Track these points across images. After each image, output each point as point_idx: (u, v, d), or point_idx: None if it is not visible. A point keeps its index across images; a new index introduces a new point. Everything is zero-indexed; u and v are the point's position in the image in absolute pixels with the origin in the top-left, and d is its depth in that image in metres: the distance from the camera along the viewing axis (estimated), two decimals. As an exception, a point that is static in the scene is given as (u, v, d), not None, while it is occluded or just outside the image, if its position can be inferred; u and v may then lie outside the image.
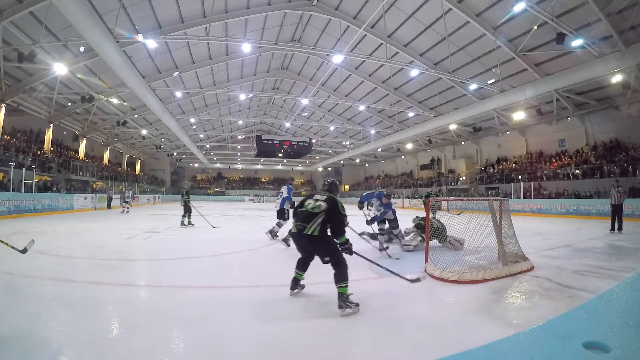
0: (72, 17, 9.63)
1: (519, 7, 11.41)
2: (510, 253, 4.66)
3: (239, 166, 48.65)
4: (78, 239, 7.19)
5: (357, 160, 43.63)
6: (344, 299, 2.91)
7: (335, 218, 3.15)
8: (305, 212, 3.21)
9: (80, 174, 21.69)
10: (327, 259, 3.09)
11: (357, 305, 2.92)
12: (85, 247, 5.93)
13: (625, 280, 3.81)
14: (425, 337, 2.45)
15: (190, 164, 46.68)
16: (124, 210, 16.52)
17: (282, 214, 7.41)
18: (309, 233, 3.09)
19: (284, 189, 7.39)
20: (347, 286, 2.97)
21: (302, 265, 3.36)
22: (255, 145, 26.86)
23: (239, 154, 42.75)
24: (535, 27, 12.28)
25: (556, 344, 1.09)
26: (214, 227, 9.65)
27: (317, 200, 3.26)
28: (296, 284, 3.36)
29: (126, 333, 2.46)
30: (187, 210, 9.98)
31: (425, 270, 4.26)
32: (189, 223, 9.95)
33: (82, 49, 13.92)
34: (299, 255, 3.40)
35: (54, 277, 3.90)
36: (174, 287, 3.65)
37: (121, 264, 4.72)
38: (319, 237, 3.10)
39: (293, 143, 24.83)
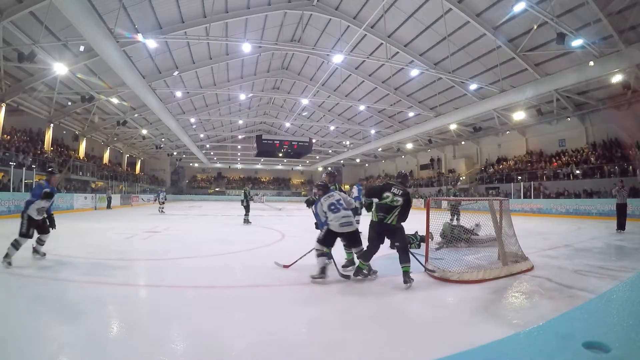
0: (72, 17, 9.64)
1: (519, 7, 11.39)
2: (510, 253, 4.65)
3: (239, 166, 48.66)
4: (78, 238, 7.18)
5: (357, 160, 43.64)
6: (407, 276, 3.62)
7: (406, 212, 3.88)
8: (386, 205, 3.84)
9: (80, 173, 21.70)
10: (397, 244, 3.79)
11: (413, 279, 3.62)
12: (85, 247, 5.93)
13: (625, 280, 3.80)
14: (425, 337, 2.45)
15: (190, 164, 46.66)
16: (160, 211, 16.64)
17: (355, 212, 7.96)
18: (389, 222, 3.78)
19: (354, 190, 7.84)
20: (409, 266, 3.69)
21: (368, 257, 3.87)
22: (255, 145, 26.86)
23: (239, 154, 42.74)
24: (535, 26, 12.25)
25: (556, 343, 1.09)
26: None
27: (395, 194, 3.85)
28: (359, 272, 3.87)
29: (126, 333, 2.46)
30: (248, 210, 11.25)
31: (425, 270, 4.26)
32: (248, 221, 11.02)
33: (82, 48, 13.89)
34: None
35: (54, 277, 3.91)
36: (174, 287, 3.65)
37: (121, 264, 4.72)
38: (397, 226, 3.81)
39: (293, 143, 24.84)
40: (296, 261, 4.48)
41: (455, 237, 5.83)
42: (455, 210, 7.67)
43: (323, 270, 3.82)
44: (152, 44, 13.22)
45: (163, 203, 17.04)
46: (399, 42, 17.16)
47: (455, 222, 7.02)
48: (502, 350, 1.13)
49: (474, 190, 24.64)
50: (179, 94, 21.24)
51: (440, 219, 5.28)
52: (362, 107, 24.03)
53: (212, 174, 51.07)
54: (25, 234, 4.45)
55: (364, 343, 2.34)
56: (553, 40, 11.50)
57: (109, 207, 20.26)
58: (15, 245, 4.39)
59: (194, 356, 2.13)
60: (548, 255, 5.61)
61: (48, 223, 4.82)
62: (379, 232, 3.90)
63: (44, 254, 4.83)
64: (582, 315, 1.37)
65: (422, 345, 2.31)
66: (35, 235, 4.69)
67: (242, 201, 11.26)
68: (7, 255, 4.33)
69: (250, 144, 35.79)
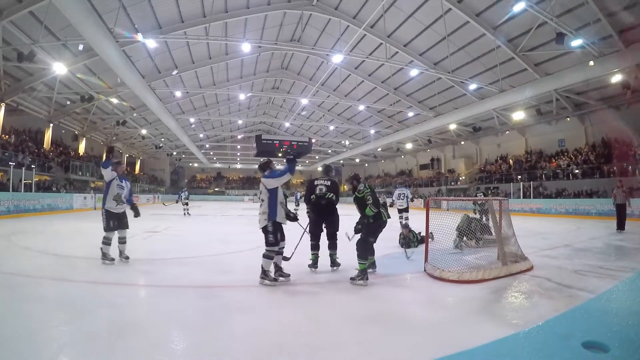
0: (72, 17, 9.63)
1: (518, 7, 11.38)
2: (509, 253, 4.66)
3: (239, 166, 48.64)
4: (78, 238, 7.18)
5: (357, 160, 43.63)
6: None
7: None
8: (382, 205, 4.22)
9: (80, 173, 21.68)
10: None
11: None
12: (85, 247, 5.91)
13: (625, 280, 3.82)
14: (424, 337, 2.45)
15: (190, 164, 46.64)
16: (185, 213, 14.82)
17: (407, 211, 8.37)
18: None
19: (406, 191, 8.18)
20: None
21: (368, 255, 3.99)
22: (254, 145, 26.75)
23: (238, 154, 42.72)
24: (535, 27, 12.25)
25: (555, 343, 1.10)
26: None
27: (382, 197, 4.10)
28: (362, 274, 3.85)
29: (126, 333, 2.45)
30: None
31: (424, 270, 4.27)
32: None
33: (80, 47, 13.85)
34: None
35: (54, 277, 3.90)
36: (174, 287, 3.65)
37: (121, 264, 4.71)
38: None
39: (293, 143, 24.64)
40: (293, 253, 4.48)
41: (472, 231, 5.73)
42: (484, 211, 7.68)
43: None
44: (151, 43, 13.21)
45: (187, 203, 15.15)
46: (399, 42, 17.16)
47: (484, 221, 6.96)
48: (501, 349, 1.13)
49: (473, 190, 24.64)
50: (178, 93, 21.22)
51: (446, 219, 5.13)
52: (361, 107, 24.03)
53: (212, 173, 51.01)
54: (107, 228, 4.61)
55: (363, 343, 2.34)
56: (553, 40, 11.50)
57: (108, 207, 20.18)
58: (105, 241, 4.61)
59: (193, 356, 2.13)
60: (547, 255, 5.61)
61: (129, 216, 4.84)
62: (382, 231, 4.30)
63: (127, 258, 4.71)
64: (581, 315, 1.38)
65: (421, 345, 2.31)
66: (116, 235, 4.71)
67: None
68: (104, 255, 4.55)
69: (249, 144, 35.78)
